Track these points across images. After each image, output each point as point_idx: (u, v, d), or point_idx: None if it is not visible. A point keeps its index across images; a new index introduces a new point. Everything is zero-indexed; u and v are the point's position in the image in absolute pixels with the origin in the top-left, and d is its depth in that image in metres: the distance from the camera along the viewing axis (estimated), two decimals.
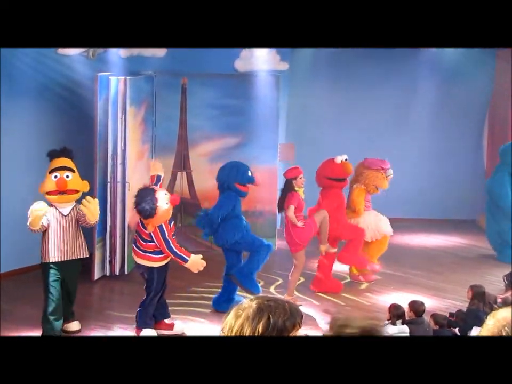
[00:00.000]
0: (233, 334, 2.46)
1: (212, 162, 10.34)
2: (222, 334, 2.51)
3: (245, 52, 11.07)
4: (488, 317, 2.75)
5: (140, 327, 7.52)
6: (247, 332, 2.44)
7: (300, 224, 8.57)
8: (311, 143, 11.98)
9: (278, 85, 10.70)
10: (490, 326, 2.68)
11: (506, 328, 2.62)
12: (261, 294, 8.42)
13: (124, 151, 9.26)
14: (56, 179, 7.35)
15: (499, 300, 7.43)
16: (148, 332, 7.45)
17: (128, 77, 9.36)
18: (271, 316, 2.44)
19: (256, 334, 2.42)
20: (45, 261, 7.29)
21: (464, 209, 12.01)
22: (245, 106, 10.68)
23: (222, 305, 8.30)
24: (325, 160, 9.22)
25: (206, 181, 9.99)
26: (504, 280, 9.06)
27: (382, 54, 11.88)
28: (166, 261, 7.57)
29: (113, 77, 9.26)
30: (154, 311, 7.65)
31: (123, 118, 9.21)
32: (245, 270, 8.25)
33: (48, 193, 7.35)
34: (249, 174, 8.24)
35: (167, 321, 7.80)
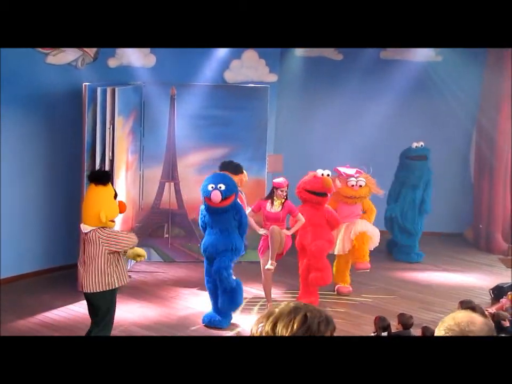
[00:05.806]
0: (263, 333, 2.37)
1: (200, 172, 10.30)
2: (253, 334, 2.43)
3: (235, 62, 11.09)
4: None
5: None
6: (280, 327, 2.35)
7: (262, 231, 8.62)
8: (300, 155, 11.98)
9: (266, 96, 10.70)
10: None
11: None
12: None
13: (112, 161, 9.21)
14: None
15: (487, 313, 7.37)
16: None
17: (116, 87, 9.32)
18: (308, 314, 2.37)
19: (289, 330, 2.33)
20: (118, 285, 6.88)
21: (451, 222, 12.03)
22: (234, 117, 10.66)
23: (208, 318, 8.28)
24: (308, 173, 9.23)
25: (193, 191, 9.93)
26: (490, 294, 9.10)
27: (371, 66, 11.94)
28: None
29: (101, 87, 9.22)
30: None
31: (111, 128, 9.17)
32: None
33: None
34: (209, 188, 7.88)
35: None
